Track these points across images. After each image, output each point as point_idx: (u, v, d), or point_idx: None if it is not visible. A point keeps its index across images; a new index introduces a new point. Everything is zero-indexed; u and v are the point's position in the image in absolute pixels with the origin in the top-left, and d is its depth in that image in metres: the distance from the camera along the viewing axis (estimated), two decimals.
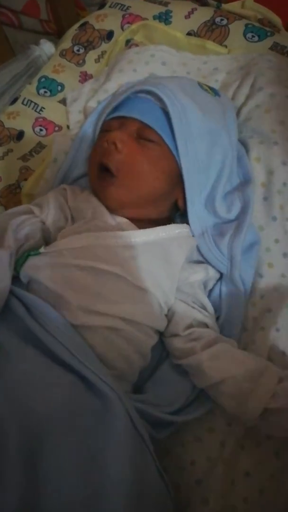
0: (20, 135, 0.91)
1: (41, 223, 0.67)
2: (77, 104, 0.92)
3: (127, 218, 0.65)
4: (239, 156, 0.73)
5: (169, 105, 0.63)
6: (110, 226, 0.63)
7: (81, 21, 1.03)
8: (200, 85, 0.72)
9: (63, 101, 0.95)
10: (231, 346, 0.61)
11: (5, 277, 0.56)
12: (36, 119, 0.93)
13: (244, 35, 0.92)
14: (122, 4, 1.01)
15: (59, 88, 0.97)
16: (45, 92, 0.96)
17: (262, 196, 0.71)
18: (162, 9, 0.98)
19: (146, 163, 0.63)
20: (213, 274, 0.67)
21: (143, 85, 0.67)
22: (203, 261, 0.68)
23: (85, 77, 0.98)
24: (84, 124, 0.79)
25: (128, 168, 0.63)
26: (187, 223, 0.68)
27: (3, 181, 0.87)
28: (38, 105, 0.94)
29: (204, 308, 0.65)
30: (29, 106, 0.94)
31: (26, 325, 0.54)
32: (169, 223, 0.66)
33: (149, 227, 0.64)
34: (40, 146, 0.91)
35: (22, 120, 0.93)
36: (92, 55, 0.99)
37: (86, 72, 0.99)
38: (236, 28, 0.93)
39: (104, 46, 0.99)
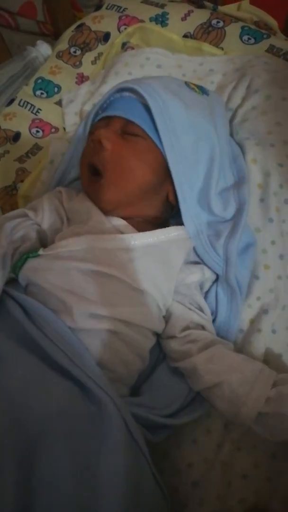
0: (16, 136, 0.91)
1: (37, 226, 0.67)
2: (73, 106, 0.92)
3: (122, 218, 0.65)
4: (234, 155, 0.73)
5: (149, 100, 0.63)
6: (108, 228, 0.63)
7: (78, 23, 1.03)
8: (187, 84, 0.72)
9: (60, 103, 0.95)
10: (226, 349, 0.61)
11: None
12: (33, 120, 0.93)
13: (241, 37, 0.92)
14: (118, 6, 1.02)
15: (56, 89, 0.97)
16: (42, 93, 0.97)
17: (259, 197, 0.71)
18: (159, 11, 0.98)
19: (132, 157, 0.64)
20: (209, 275, 0.67)
21: (126, 83, 0.68)
22: (199, 261, 0.68)
23: (81, 79, 0.98)
24: (79, 127, 0.79)
25: (115, 164, 0.63)
26: (182, 224, 0.67)
27: None
28: (34, 107, 0.94)
29: (201, 309, 0.65)
30: (25, 108, 0.94)
31: (23, 328, 0.53)
32: (167, 225, 0.66)
33: (147, 229, 0.64)
34: (36, 148, 0.91)
35: (18, 121, 0.93)
36: (88, 56, 0.99)
37: (82, 73, 0.99)
38: (233, 31, 0.93)
39: (101, 47, 1.00)
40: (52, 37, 1.17)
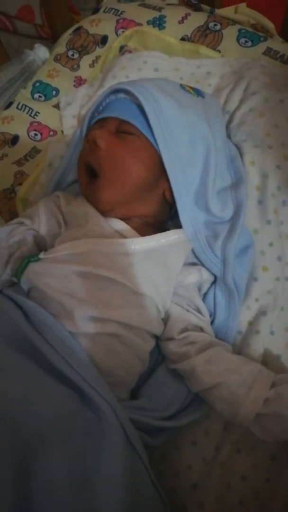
0: (14, 139, 0.92)
1: (33, 231, 0.67)
2: (70, 109, 0.92)
3: (120, 219, 0.65)
4: (231, 156, 0.73)
5: (142, 100, 0.64)
6: (108, 231, 0.64)
7: (75, 26, 1.04)
8: (182, 86, 0.72)
9: (58, 106, 0.95)
10: (225, 351, 0.61)
11: None
12: (31, 123, 0.93)
13: (238, 40, 0.93)
14: (116, 9, 1.02)
15: (54, 92, 0.97)
16: (40, 96, 0.97)
17: (257, 199, 0.71)
18: (156, 14, 0.99)
19: (127, 154, 0.64)
20: (207, 276, 0.67)
21: (120, 85, 0.69)
22: (197, 263, 0.68)
23: (79, 82, 0.98)
24: (77, 129, 0.79)
25: (110, 162, 0.64)
26: (180, 227, 0.68)
27: None
28: (32, 110, 0.94)
29: (199, 311, 0.66)
30: (23, 111, 0.94)
31: (23, 333, 0.53)
32: (166, 229, 0.66)
33: (147, 232, 0.64)
34: (35, 151, 0.91)
35: (16, 124, 0.93)
36: (86, 60, 1.00)
37: (80, 77, 0.99)
38: (230, 33, 0.94)
39: (99, 50, 1.00)
40: (50, 40, 1.17)
